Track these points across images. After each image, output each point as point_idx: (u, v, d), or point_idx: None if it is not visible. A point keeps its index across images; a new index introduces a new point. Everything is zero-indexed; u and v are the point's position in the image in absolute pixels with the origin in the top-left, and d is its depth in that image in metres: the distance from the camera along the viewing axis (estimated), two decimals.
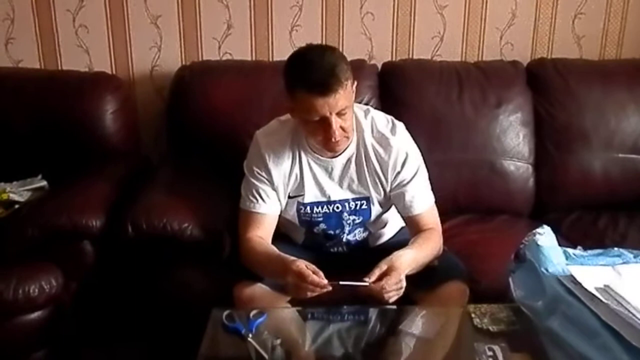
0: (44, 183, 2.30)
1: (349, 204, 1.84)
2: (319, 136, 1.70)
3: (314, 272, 1.55)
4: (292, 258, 1.62)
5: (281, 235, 1.90)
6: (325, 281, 1.54)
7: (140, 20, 2.57)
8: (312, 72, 1.60)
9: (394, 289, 1.58)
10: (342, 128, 1.67)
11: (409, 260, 1.65)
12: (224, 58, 2.63)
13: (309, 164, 1.81)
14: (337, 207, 1.84)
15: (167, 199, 2.01)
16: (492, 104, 2.41)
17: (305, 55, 1.67)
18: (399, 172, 1.80)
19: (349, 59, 2.52)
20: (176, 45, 2.62)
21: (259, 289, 1.73)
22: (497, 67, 2.53)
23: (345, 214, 1.85)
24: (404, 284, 1.60)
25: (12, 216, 2.12)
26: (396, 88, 2.44)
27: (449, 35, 2.67)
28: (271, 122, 1.88)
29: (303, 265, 1.57)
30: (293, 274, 1.56)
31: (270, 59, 2.63)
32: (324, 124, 1.65)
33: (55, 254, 1.96)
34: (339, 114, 1.64)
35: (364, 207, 1.85)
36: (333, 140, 1.67)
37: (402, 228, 1.98)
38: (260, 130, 1.86)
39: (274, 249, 1.74)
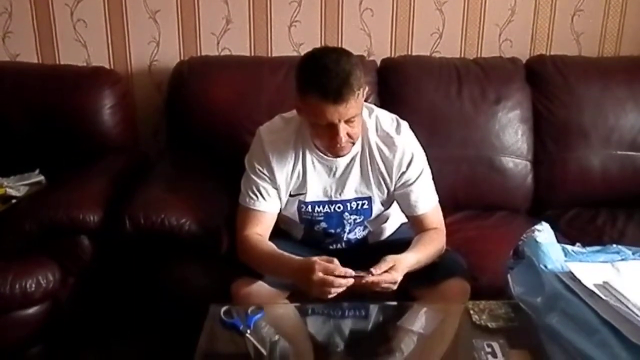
0: (41, 178, 2.29)
1: (350, 204, 1.83)
2: (325, 140, 1.70)
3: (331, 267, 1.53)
4: (305, 258, 1.59)
5: (279, 230, 1.90)
6: (350, 271, 1.52)
7: (138, 14, 2.56)
8: (327, 78, 1.57)
9: (384, 286, 1.57)
10: (348, 134, 1.66)
11: (410, 263, 1.65)
12: (223, 53, 2.62)
13: (313, 163, 1.80)
14: (339, 207, 1.83)
15: (165, 194, 2.01)
16: (491, 101, 2.40)
17: (321, 59, 1.62)
18: (403, 172, 1.79)
19: None
20: (175, 40, 2.61)
21: (257, 285, 1.72)
22: (496, 64, 2.53)
23: (347, 213, 1.84)
24: (395, 287, 1.59)
25: (9, 211, 2.11)
26: (395, 84, 2.43)
27: (448, 31, 2.66)
28: (275, 119, 1.86)
29: (324, 263, 1.53)
30: (319, 269, 1.52)
31: (269, 55, 2.63)
32: (331, 130, 1.64)
33: (53, 249, 1.96)
34: (347, 121, 1.63)
35: (365, 206, 1.84)
36: (338, 145, 1.67)
37: (402, 224, 1.98)
38: (263, 126, 1.84)
39: (275, 248, 1.73)
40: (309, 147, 1.78)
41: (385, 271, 1.57)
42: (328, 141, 1.69)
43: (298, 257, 1.63)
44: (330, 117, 1.60)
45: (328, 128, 1.64)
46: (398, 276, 1.58)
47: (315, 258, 1.55)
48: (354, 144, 1.74)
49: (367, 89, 1.70)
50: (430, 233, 1.80)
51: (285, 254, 1.68)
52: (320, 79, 1.58)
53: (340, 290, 1.52)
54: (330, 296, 1.52)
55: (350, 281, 1.52)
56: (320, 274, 1.52)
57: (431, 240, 1.78)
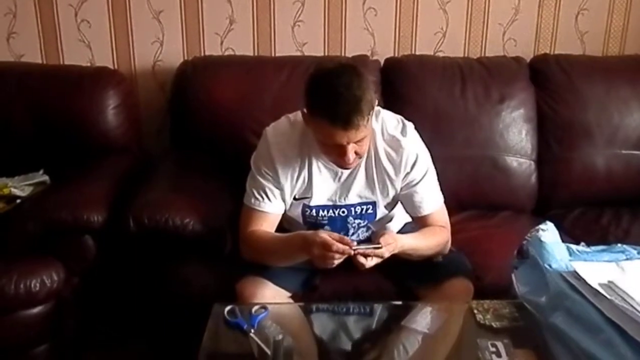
0: (45, 178, 2.29)
1: (355, 208, 1.83)
2: (332, 156, 1.70)
3: (338, 240, 1.56)
4: (312, 232, 1.64)
5: (283, 230, 1.89)
6: (352, 245, 1.56)
7: (142, 15, 2.57)
8: (337, 104, 1.55)
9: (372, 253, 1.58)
10: (356, 152, 1.66)
11: (405, 245, 1.66)
12: (226, 53, 2.62)
13: (319, 168, 1.79)
14: (343, 212, 1.83)
15: (169, 194, 2.01)
16: (495, 100, 2.40)
17: (331, 81, 1.58)
18: (408, 173, 1.79)
19: (351, 54, 2.56)
20: (178, 40, 2.61)
21: (262, 285, 1.72)
22: (500, 63, 2.53)
23: (351, 218, 1.84)
24: (385, 253, 1.60)
25: (14, 211, 2.11)
26: (399, 84, 2.43)
27: (452, 31, 2.66)
28: (281, 120, 1.84)
29: (326, 235, 1.57)
30: (318, 245, 1.56)
31: (273, 54, 2.63)
32: (339, 149, 1.63)
33: (57, 249, 1.96)
34: (356, 142, 1.63)
35: (369, 211, 1.84)
36: (345, 163, 1.67)
37: (406, 224, 1.97)
38: (269, 127, 1.83)
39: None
40: (315, 152, 1.77)
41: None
42: (335, 157, 1.69)
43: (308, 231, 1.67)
44: (339, 140, 1.60)
45: (336, 147, 1.64)
46: (385, 253, 1.59)
47: (320, 233, 1.59)
48: (361, 157, 1.73)
49: (376, 102, 1.67)
50: (434, 227, 1.80)
51: (296, 232, 1.73)
52: (330, 104, 1.56)
53: (339, 261, 1.55)
54: (333, 262, 1.55)
55: (349, 251, 1.55)
56: (320, 250, 1.55)
57: (433, 232, 1.78)
